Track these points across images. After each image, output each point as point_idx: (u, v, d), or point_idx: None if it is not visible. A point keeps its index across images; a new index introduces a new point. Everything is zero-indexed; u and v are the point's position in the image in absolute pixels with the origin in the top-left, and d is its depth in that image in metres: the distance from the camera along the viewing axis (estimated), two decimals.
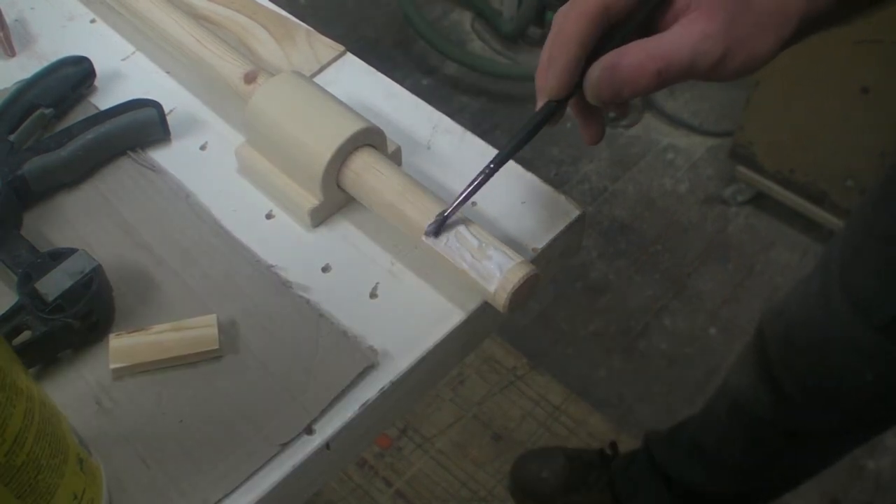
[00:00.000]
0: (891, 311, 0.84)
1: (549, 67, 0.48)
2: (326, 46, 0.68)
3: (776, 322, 1.01)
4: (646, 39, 0.45)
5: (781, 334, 1.00)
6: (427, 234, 0.51)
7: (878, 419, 1.01)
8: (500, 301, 0.48)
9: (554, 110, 0.49)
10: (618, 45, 0.46)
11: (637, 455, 1.32)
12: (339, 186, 0.55)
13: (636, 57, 0.45)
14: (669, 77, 0.45)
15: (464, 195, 0.50)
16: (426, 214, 0.51)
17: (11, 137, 0.60)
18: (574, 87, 0.48)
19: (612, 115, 0.53)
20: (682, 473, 1.23)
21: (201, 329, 0.51)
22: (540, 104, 0.50)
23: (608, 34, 0.47)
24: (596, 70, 0.46)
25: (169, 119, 0.62)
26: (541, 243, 0.55)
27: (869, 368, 0.90)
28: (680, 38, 0.44)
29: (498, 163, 0.50)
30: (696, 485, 1.22)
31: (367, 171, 0.54)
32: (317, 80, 0.66)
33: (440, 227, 0.50)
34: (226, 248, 0.56)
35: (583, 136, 0.53)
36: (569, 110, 0.51)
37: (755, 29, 0.44)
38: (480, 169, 0.51)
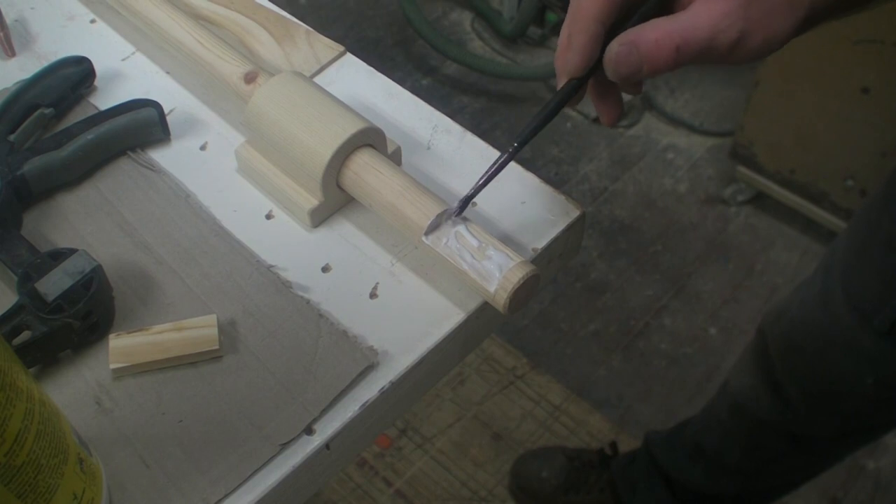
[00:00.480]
0: (892, 316, 0.84)
1: (568, 46, 0.49)
2: (326, 46, 0.68)
3: (777, 324, 1.01)
4: (665, 17, 0.46)
5: (782, 336, 1.00)
6: (450, 215, 0.51)
7: (879, 424, 1.00)
8: (500, 301, 0.48)
9: (575, 87, 0.50)
10: (636, 24, 0.47)
11: (637, 455, 1.32)
12: (339, 186, 0.55)
13: (655, 33, 0.45)
14: (688, 54, 0.45)
15: (487, 175, 0.51)
16: (426, 214, 0.51)
17: (11, 137, 0.60)
18: (594, 66, 0.49)
19: None
20: (682, 474, 1.23)
21: (201, 329, 0.51)
22: (561, 84, 0.50)
23: (627, 13, 0.48)
24: (615, 46, 0.47)
25: (169, 119, 0.62)
26: (541, 243, 0.55)
27: (869, 372, 0.90)
28: (699, 16, 0.45)
29: (521, 143, 0.51)
30: (696, 485, 1.22)
31: (367, 171, 0.54)
32: (317, 80, 0.66)
33: (464, 207, 0.52)
34: (226, 248, 0.56)
35: (600, 117, 0.53)
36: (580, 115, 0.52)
37: (772, 10, 0.45)
38: (496, 157, 0.51)
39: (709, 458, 1.17)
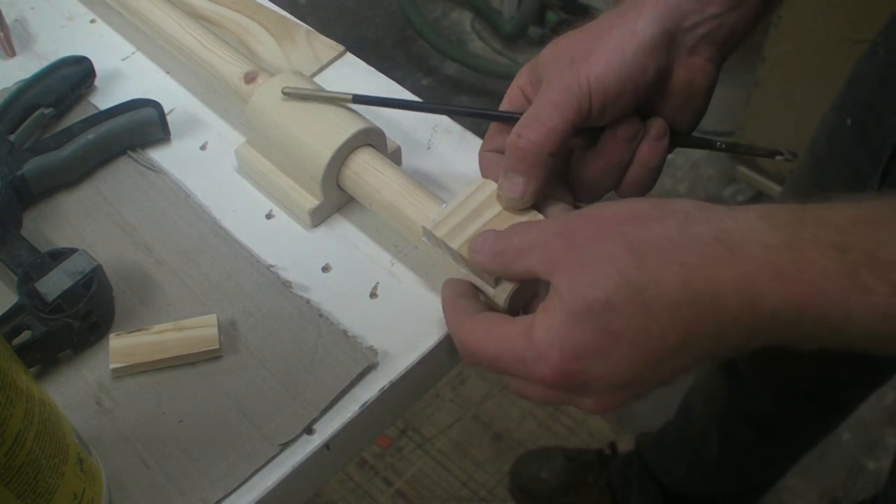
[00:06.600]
0: None
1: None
2: (326, 46, 0.68)
3: None
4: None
5: None
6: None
7: (827, 403, 1.03)
8: (500, 301, 0.48)
9: None
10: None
11: (631, 456, 1.34)
12: (339, 186, 0.55)
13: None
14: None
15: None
16: (426, 214, 0.51)
17: (11, 137, 0.60)
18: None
19: None
20: (668, 474, 1.25)
21: (201, 329, 0.51)
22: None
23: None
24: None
25: (169, 119, 0.62)
26: None
27: None
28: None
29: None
30: (682, 485, 1.24)
31: (367, 171, 0.54)
32: (317, 80, 0.66)
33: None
34: (226, 248, 0.56)
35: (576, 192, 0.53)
36: None
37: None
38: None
39: (690, 456, 1.19)
